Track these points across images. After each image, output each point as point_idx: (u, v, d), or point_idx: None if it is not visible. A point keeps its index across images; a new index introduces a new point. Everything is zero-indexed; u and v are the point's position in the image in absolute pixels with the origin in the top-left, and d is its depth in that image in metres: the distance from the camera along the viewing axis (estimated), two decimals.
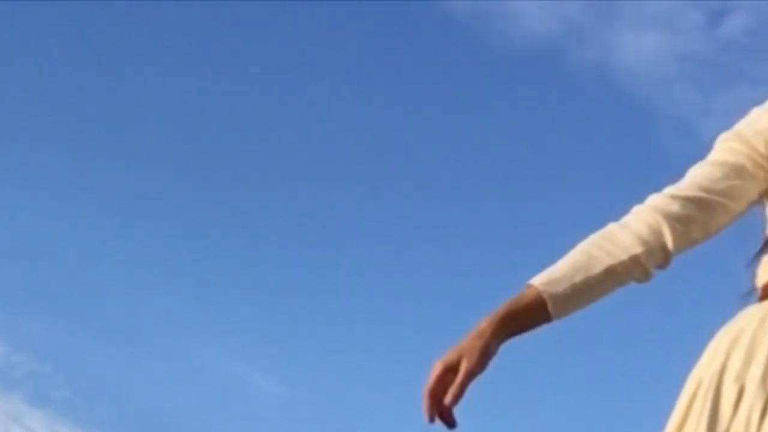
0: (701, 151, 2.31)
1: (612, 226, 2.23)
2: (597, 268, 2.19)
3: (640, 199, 2.27)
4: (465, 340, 2.15)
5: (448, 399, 2.12)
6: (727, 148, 2.29)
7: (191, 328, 12.86)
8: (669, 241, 2.21)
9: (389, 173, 12.73)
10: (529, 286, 2.19)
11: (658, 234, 2.21)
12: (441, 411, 2.13)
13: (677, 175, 2.29)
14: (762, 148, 2.26)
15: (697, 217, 2.23)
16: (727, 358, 2.08)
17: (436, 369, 2.14)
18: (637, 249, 2.20)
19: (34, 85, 13.02)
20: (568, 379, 11.20)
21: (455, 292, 11.92)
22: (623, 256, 2.19)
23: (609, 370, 11.12)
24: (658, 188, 2.28)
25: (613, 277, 2.20)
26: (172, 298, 12.80)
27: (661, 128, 12.11)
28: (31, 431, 12.09)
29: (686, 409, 2.09)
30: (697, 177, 2.28)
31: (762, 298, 2.16)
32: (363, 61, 12.74)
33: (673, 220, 2.22)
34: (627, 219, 2.24)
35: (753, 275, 2.22)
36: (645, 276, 2.22)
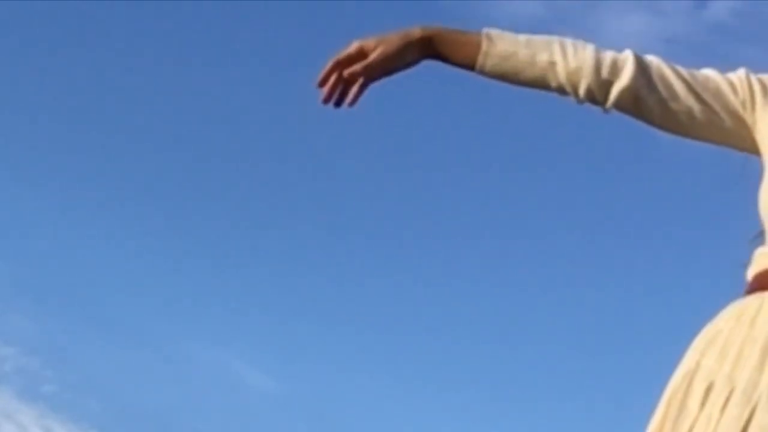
0: None
1: (591, 43, 2.21)
2: (543, 56, 2.18)
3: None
4: (390, 33, 2.17)
5: (356, 67, 2.13)
6: (736, 79, 2.20)
7: (183, 323, 12.83)
8: (621, 82, 2.16)
9: (382, 169, 12.68)
10: (481, 31, 2.19)
11: (617, 69, 2.17)
12: (344, 88, 2.16)
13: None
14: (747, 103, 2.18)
15: (663, 95, 2.17)
16: (702, 356, 2.04)
17: (351, 46, 2.16)
18: (588, 64, 2.17)
19: (35, 85, 13.00)
20: (566, 379, 11.17)
21: (450, 290, 11.89)
22: (571, 62, 2.17)
23: (606, 369, 11.08)
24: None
25: (548, 73, 2.18)
26: (164, 292, 12.77)
27: None
28: (23, 427, 12.05)
29: (663, 409, 2.04)
30: (696, 72, 2.21)
31: (748, 292, 2.10)
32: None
33: (643, 74, 2.17)
34: (611, 50, 2.20)
35: (746, 268, 2.15)
36: (576, 95, 2.19)
